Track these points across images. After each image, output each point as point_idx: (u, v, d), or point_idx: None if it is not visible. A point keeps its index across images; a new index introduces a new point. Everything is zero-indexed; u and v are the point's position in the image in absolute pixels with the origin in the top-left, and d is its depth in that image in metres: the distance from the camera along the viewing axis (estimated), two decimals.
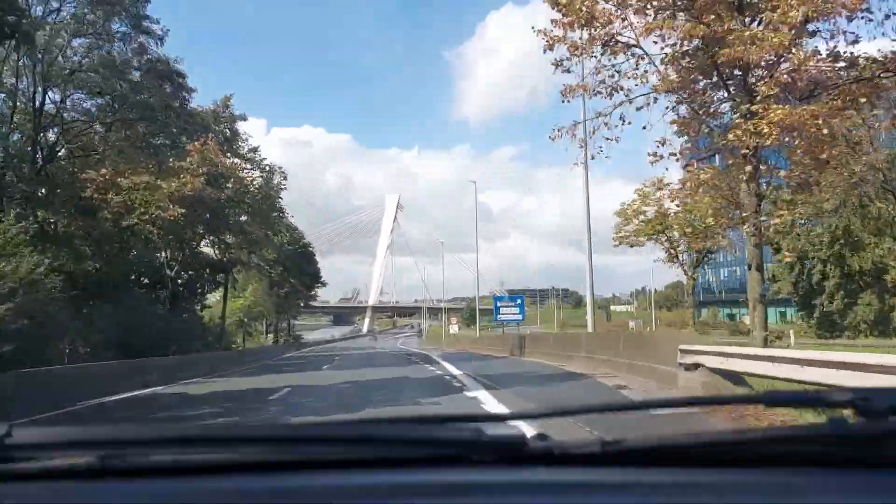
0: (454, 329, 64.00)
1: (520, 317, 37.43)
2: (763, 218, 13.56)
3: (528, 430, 0.99)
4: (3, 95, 22.69)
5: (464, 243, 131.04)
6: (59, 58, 22.57)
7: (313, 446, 0.95)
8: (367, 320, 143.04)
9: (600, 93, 14.41)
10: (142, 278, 28.59)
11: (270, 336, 59.76)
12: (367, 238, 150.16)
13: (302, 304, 68.15)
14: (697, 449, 0.95)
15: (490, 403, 9.71)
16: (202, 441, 0.93)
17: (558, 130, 15.33)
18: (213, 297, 38.69)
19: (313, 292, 65.39)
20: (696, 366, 9.97)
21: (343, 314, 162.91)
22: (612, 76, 14.17)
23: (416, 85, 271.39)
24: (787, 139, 12.76)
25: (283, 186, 34.50)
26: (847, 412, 0.93)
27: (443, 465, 0.93)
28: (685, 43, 13.52)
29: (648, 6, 13.57)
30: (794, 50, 12.23)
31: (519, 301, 39.24)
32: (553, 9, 13.70)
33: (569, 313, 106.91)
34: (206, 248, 32.41)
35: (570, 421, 6.41)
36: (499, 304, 38.86)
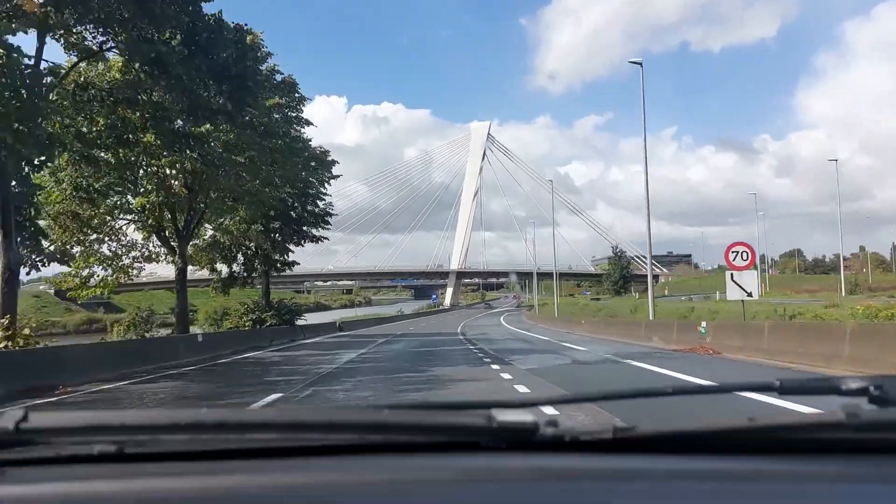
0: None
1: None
2: None
3: (541, 416, 0.97)
4: None
5: (546, 217, 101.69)
6: None
7: (325, 432, 0.97)
8: (449, 291, 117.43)
9: None
10: None
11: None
12: (447, 212, 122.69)
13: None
14: (710, 436, 0.94)
15: None
16: (215, 426, 0.95)
17: None
18: None
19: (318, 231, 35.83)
20: None
21: (424, 288, 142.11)
22: None
23: (493, 56, 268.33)
24: None
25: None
26: (860, 400, 0.92)
27: (453, 451, 0.94)
28: None
29: None
30: None
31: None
32: None
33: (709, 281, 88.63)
34: None
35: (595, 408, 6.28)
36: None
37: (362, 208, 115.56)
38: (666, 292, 76.54)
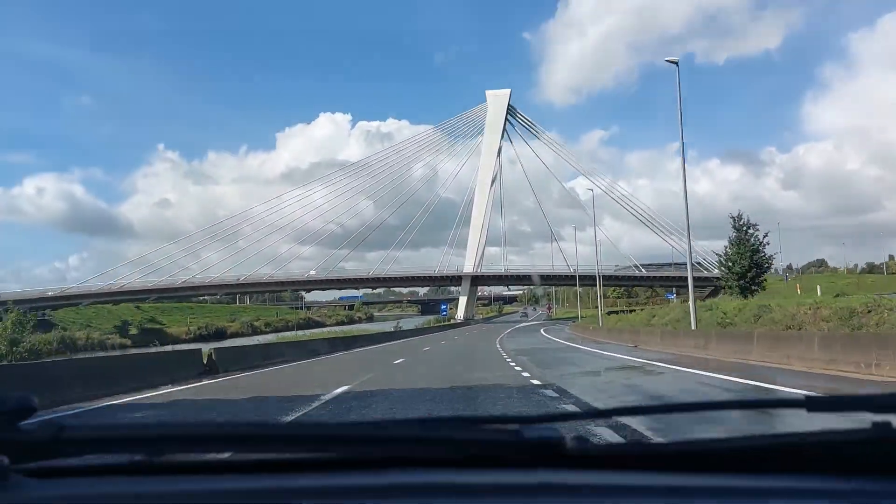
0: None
1: None
2: None
3: (568, 431, 0.96)
4: None
5: (554, 231, 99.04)
6: None
7: (353, 446, 0.97)
8: (462, 301, 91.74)
9: None
10: None
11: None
12: (457, 230, 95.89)
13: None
14: (738, 453, 0.93)
15: None
16: (247, 439, 0.96)
17: None
18: None
19: None
20: None
21: (431, 304, 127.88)
22: None
23: (496, 71, 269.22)
24: None
25: None
26: (892, 416, 0.90)
27: (480, 466, 0.94)
28: None
29: None
30: None
31: None
32: None
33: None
34: None
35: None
36: None
37: (372, 225, 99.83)
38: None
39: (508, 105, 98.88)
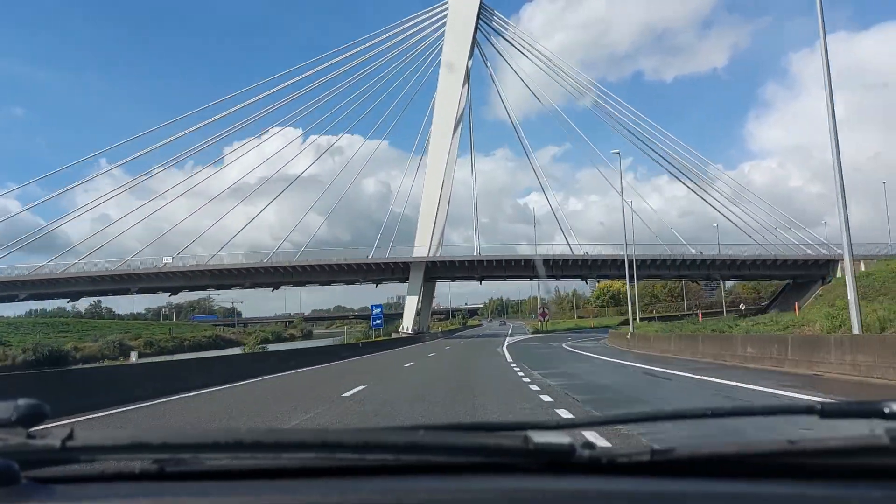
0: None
1: None
2: None
3: (578, 438, 0.96)
4: None
5: (509, 249, 75.64)
6: None
7: (361, 453, 0.97)
8: (411, 305, 60.19)
9: None
10: None
11: None
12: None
13: None
14: (749, 459, 0.94)
15: None
16: (254, 446, 0.95)
17: None
18: None
19: None
20: None
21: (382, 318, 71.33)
22: None
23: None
24: None
25: None
26: None
27: (489, 472, 0.94)
28: None
29: None
30: None
31: None
32: None
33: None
34: None
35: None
36: None
37: (324, 241, 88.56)
38: None
39: (481, 5, 65.43)
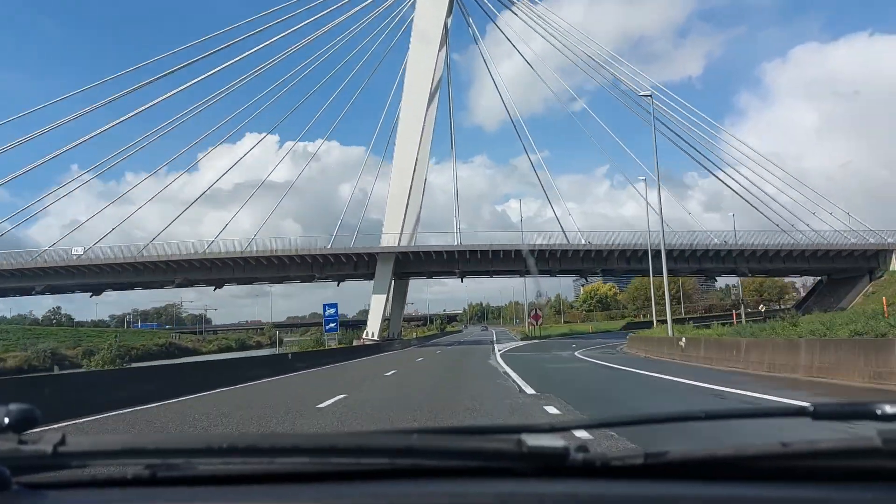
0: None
1: None
2: None
3: (571, 441, 0.95)
4: None
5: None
6: None
7: (356, 457, 0.96)
8: (376, 306, 50.14)
9: None
10: None
11: None
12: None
13: None
14: (742, 462, 0.94)
15: None
16: (247, 451, 0.95)
17: None
18: None
19: None
20: None
21: (355, 325, 75.12)
22: None
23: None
24: None
25: None
26: None
27: (484, 476, 0.94)
28: None
29: None
30: None
31: None
32: None
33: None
34: None
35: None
36: None
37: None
38: None
39: None
